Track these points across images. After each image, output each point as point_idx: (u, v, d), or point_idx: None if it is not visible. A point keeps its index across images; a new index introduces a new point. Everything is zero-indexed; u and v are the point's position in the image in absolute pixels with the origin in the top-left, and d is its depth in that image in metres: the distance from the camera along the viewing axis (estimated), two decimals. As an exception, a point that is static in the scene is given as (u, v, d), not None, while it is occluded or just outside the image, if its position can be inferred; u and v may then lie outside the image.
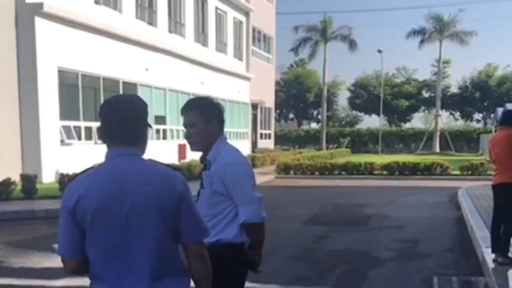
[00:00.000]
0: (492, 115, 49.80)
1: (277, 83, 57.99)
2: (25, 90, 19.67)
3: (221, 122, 4.00)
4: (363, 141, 57.29)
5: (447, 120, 66.88)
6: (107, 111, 2.90)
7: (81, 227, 2.74)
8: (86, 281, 7.82)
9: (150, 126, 2.98)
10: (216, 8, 35.85)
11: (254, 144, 41.11)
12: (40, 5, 19.38)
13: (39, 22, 19.73)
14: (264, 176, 24.46)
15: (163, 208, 2.74)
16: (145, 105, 2.97)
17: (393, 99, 62.79)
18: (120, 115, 2.86)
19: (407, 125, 67.40)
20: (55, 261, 9.32)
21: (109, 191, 2.72)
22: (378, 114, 56.36)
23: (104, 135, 2.88)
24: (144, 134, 2.92)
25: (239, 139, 37.59)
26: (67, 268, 2.88)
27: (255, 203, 3.82)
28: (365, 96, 64.54)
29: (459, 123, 75.61)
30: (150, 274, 2.74)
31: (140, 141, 2.89)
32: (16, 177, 16.13)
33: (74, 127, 21.58)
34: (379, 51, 51.14)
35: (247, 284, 4.00)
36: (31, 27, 19.57)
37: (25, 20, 19.56)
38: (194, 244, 2.88)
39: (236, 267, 3.85)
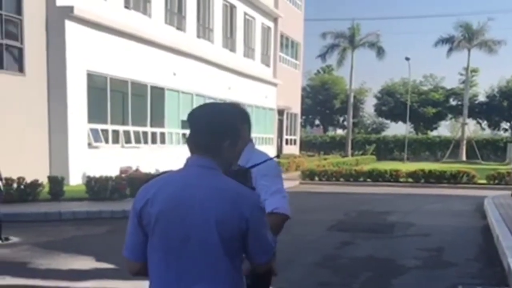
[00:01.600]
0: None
1: (303, 89, 57.97)
2: (54, 93, 19.86)
3: (249, 128, 4.00)
4: (388, 148, 57.01)
5: (474, 128, 66.38)
6: (191, 117, 2.84)
7: (146, 231, 2.76)
8: (110, 283, 7.90)
9: (232, 140, 2.82)
10: (245, 14, 35.94)
11: (279, 149, 41.06)
12: (71, 8, 19.56)
13: (69, 25, 19.91)
14: (288, 182, 24.36)
15: (223, 231, 2.65)
16: (235, 118, 2.93)
17: (420, 106, 62.40)
18: (199, 122, 2.81)
19: (433, 133, 66.91)
20: (81, 263, 9.49)
21: (174, 201, 2.70)
22: (405, 121, 56.08)
23: (187, 141, 2.85)
24: (223, 148, 2.78)
25: (264, 144, 37.59)
26: (130, 269, 2.90)
27: (285, 196, 3.83)
28: (392, 103, 64.21)
29: (486, 132, 74.95)
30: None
31: (218, 154, 2.78)
32: (43, 179, 16.29)
33: (102, 130, 21.75)
34: (407, 59, 50.92)
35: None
36: (61, 31, 19.75)
37: (55, 24, 19.75)
38: (260, 265, 2.85)
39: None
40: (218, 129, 2.77)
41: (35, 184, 15.80)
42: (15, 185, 15.34)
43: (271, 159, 3.59)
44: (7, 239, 11.01)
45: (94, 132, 21.28)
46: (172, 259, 2.71)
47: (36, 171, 17.09)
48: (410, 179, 26.37)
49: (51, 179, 16.47)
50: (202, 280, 2.68)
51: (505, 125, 65.10)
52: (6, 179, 13.13)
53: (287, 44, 44.37)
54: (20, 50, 19.01)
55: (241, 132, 3.42)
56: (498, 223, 12.75)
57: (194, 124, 2.82)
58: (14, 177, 15.14)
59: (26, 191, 15.61)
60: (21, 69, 19.02)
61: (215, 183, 2.70)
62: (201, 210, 2.65)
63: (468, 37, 51.48)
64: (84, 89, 20.76)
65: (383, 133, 68.88)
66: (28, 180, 15.72)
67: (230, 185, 2.72)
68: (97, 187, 16.38)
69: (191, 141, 2.82)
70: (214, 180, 2.72)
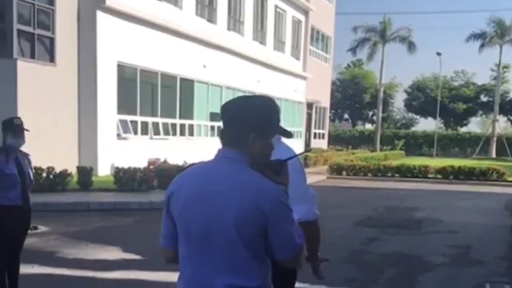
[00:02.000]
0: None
1: (333, 83, 57.77)
2: (84, 84, 20.00)
3: (278, 121, 3.98)
4: (418, 144, 56.58)
5: (504, 125, 65.57)
6: (222, 110, 2.87)
7: (174, 221, 2.85)
8: (138, 274, 7.96)
9: (259, 133, 2.79)
10: (276, 7, 35.87)
11: (307, 143, 40.97)
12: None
13: (100, 16, 20.04)
14: (316, 176, 24.38)
15: (242, 226, 2.65)
16: (265, 110, 2.87)
17: (450, 102, 61.88)
18: (228, 114, 2.83)
19: (463, 129, 66.30)
20: (108, 253, 9.55)
21: (196, 195, 2.74)
22: (434, 117, 55.69)
23: (219, 133, 2.88)
24: (249, 140, 2.75)
25: (293, 138, 37.49)
26: (164, 257, 3.00)
27: (308, 200, 3.80)
28: (422, 99, 63.76)
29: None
30: (223, 281, 2.71)
31: (246, 147, 2.76)
32: (72, 169, 16.44)
33: (131, 121, 21.86)
34: (438, 54, 50.51)
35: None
36: (93, 21, 19.89)
37: (87, 14, 19.88)
38: (282, 260, 2.80)
39: None
40: (244, 121, 2.78)
41: (64, 174, 15.94)
42: (44, 175, 15.50)
43: (297, 155, 3.54)
44: (35, 228, 11.12)
45: (123, 123, 21.40)
46: (195, 252, 2.76)
47: (66, 161, 17.25)
48: (439, 175, 26.17)
49: (80, 169, 16.61)
50: (223, 273, 2.70)
51: (537, 122, 64.39)
52: (36, 168, 13.23)
53: (318, 37, 44.18)
54: (52, 40, 19.14)
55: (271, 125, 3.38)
56: (527, 222, 12.62)
57: (224, 117, 2.83)
58: (44, 166, 15.30)
59: (55, 181, 15.76)
60: (52, 59, 19.15)
61: (238, 177, 2.71)
62: (221, 205, 2.67)
63: (501, 33, 50.83)
64: (114, 80, 20.88)
65: (413, 129, 68.45)
66: (58, 170, 15.86)
67: (253, 179, 2.70)
68: (125, 178, 16.48)
69: (221, 133, 2.84)
70: (238, 173, 2.72)
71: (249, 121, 2.78)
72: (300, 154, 3.44)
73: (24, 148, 6.87)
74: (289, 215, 2.72)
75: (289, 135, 3.01)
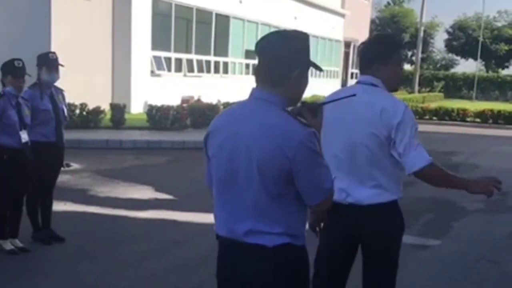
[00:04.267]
0: None
1: (372, 21, 56.77)
2: (119, 18, 19.86)
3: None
4: (457, 86, 55.62)
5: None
6: (257, 46, 2.77)
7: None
8: (169, 214, 7.96)
9: (302, 70, 2.74)
10: None
11: (344, 83, 40.60)
12: None
13: None
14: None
15: (265, 171, 2.62)
16: (306, 44, 2.78)
17: (492, 43, 60.53)
18: (262, 53, 2.75)
19: (505, 72, 64.96)
20: (140, 192, 9.54)
21: (224, 139, 2.74)
22: (475, 59, 54.64)
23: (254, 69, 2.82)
24: (291, 78, 2.69)
25: (329, 77, 37.17)
26: (211, 195, 2.95)
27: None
28: (463, 39, 62.49)
29: (561, 72, 72.60)
30: (246, 226, 2.72)
31: (281, 85, 2.70)
32: (105, 106, 16.43)
33: (165, 58, 21.71)
34: (481, -7, 49.34)
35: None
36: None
37: None
38: (313, 206, 2.78)
39: None
40: (289, 57, 2.69)
41: (97, 111, 15.95)
42: (77, 111, 15.51)
43: (339, 99, 3.34)
44: (68, 165, 11.09)
45: (157, 59, 21.26)
46: (223, 195, 2.79)
47: (99, 98, 17.26)
48: (477, 119, 25.75)
49: (113, 106, 16.56)
50: (248, 218, 2.70)
51: None
52: (69, 105, 13.14)
53: (358, -27, 43.27)
54: (86, -28, 18.92)
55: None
56: None
57: (260, 54, 2.76)
58: (77, 103, 15.26)
59: (88, 118, 15.81)
60: (86, -8, 18.95)
61: (265, 120, 2.66)
62: (246, 149, 2.66)
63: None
64: (148, 15, 20.68)
65: (452, 70, 67.26)
66: (91, 106, 15.86)
67: (280, 121, 2.64)
68: (158, 116, 16.40)
69: (256, 72, 2.78)
70: (268, 116, 2.67)
71: (295, 57, 2.70)
72: (344, 98, 3.24)
73: (58, 84, 6.82)
74: (315, 158, 2.64)
75: (319, 69, 2.93)
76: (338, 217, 3.64)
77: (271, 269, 2.71)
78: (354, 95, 3.30)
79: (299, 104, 2.83)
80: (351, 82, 41.86)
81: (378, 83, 3.65)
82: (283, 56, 2.67)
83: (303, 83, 2.76)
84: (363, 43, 3.98)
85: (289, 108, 2.71)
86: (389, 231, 3.70)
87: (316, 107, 2.83)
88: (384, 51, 3.70)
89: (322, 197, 2.70)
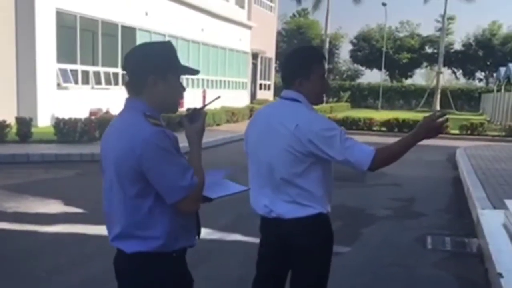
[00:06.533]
0: (495, 74, 49.31)
1: (278, 33, 57.49)
2: (22, 31, 19.42)
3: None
4: (363, 96, 56.97)
5: (448, 78, 66.56)
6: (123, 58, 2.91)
7: None
8: (79, 228, 7.80)
9: (156, 76, 2.80)
10: (220, -46, 35.20)
11: (253, 94, 40.89)
12: None
13: (37, -39, 19.33)
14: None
15: (120, 169, 2.73)
16: (160, 51, 2.87)
17: (395, 53, 62.34)
18: (124, 64, 2.86)
19: (408, 81, 66.99)
20: (49, 207, 9.34)
21: (102, 148, 2.91)
22: (380, 69, 56.04)
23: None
24: (142, 85, 2.80)
25: (238, 89, 37.37)
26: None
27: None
28: (367, 50, 64.10)
29: (461, 82, 75.23)
30: (119, 230, 2.85)
31: (142, 92, 2.82)
32: (11, 120, 16.01)
33: (71, 70, 21.37)
34: (383, 4, 50.84)
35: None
36: (30, -34, 19.18)
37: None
38: (176, 205, 2.75)
39: None
40: (140, 65, 2.82)
41: (2, 125, 15.59)
42: (-19, 125, 15.04)
43: (208, 103, 3.37)
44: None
45: (63, 72, 20.91)
46: (108, 205, 2.97)
47: (4, 111, 16.84)
48: (383, 128, 26.34)
49: (19, 120, 16.13)
50: (118, 221, 2.84)
51: (479, 74, 65.54)
52: (-28, 119, 12.87)
53: (262, -15, 43.76)
54: (-13, -14, 18.46)
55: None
56: (469, 174, 12.80)
57: (124, 66, 2.88)
58: (-19, 117, 14.82)
59: (-7, 132, 15.33)
60: (-12, 6, 18.48)
61: (121, 125, 2.80)
62: (108, 150, 2.81)
63: (445, -16, 51.19)
64: (53, 27, 20.34)
65: (358, 80, 68.82)
66: (-5, 121, 15.42)
67: (130, 124, 2.74)
68: (66, 129, 16.10)
69: (125, 83, 2.98)
70: (123, 122, 2.80)
71: (148, 64, 2.79)
72: (210, 102, 3.28)
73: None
74: (164, 156, 2.68)
75: (194, 72, 2.96)
76: (268, 232, 3.75)
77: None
78: (219, 97, 3.42)
79: (185, 112, 2.91)
80: (260, 93, 42.28)
81: (299, 97, 3.65)
82: (136, 64, 2.80)
83: (167, 89, 2.81)
84: (284, 57, 3.99)
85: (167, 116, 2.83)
86: (311, 244, 3.67)
87: (194, 113, 2.90)
88: (305, 65, 3.66)
89: (179, 195, 2.69)
